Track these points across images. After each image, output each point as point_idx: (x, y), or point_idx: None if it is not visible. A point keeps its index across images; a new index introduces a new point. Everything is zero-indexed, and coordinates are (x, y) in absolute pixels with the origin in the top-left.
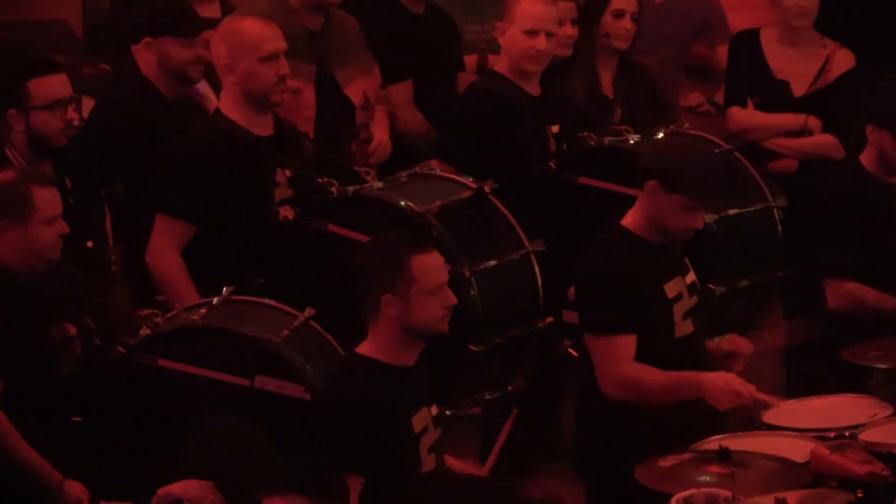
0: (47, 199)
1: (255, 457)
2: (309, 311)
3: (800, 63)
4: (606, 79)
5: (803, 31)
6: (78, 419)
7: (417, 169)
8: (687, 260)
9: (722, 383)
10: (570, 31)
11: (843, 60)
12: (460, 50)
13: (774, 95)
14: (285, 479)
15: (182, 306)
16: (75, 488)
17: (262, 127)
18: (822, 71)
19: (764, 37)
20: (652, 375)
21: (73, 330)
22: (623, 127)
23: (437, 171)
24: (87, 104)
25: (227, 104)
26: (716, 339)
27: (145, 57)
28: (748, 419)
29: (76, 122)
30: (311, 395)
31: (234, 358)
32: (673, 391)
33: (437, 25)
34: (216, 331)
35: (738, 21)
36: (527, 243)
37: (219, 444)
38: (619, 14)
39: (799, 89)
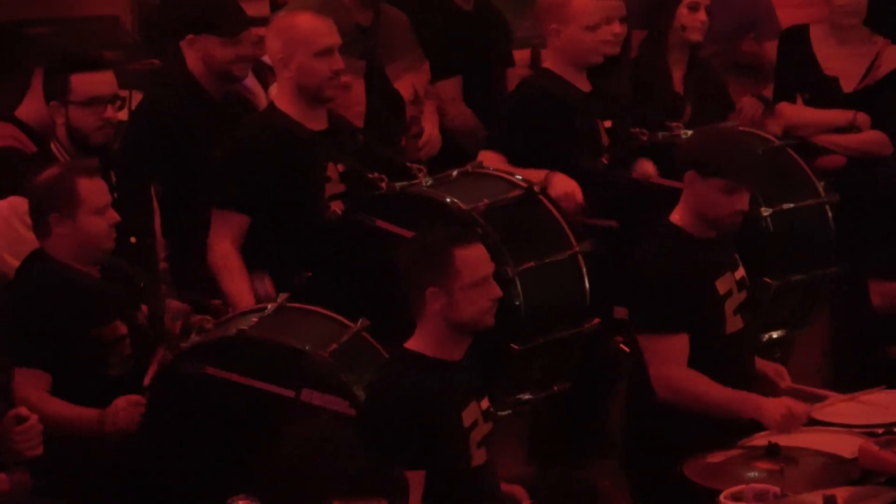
0: (94, 190)
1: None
2: (362, 323)
3: (849, 59)
4: (678, 75)
5: (853, 28)
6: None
7: (469, 167)
8: (737, 255)
9: (782, 409)
10: (619, 28)
11: (893, 57)
12: (510, 46)
13: (823, 92)
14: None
15: (234, 307)
16: (118, 405)
17: (316, 121)
18: (871, 67)
19: (813, 33)
20: (708, 387)
21: (123, 329)
22: (675, 123)
23: (490, 170)
24: (138, 100)
25: (282, 99)
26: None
27: (190, 54)
28: None
29: (115, 121)
30: (358, 412)
31: (283, 370)
32: (728, 408)
33: (486, 21)
34: (266, 342)
35: (786, 17)
36: (575, 244)
37: (309, 444)
38: (694, 7)
39: (848, 86)
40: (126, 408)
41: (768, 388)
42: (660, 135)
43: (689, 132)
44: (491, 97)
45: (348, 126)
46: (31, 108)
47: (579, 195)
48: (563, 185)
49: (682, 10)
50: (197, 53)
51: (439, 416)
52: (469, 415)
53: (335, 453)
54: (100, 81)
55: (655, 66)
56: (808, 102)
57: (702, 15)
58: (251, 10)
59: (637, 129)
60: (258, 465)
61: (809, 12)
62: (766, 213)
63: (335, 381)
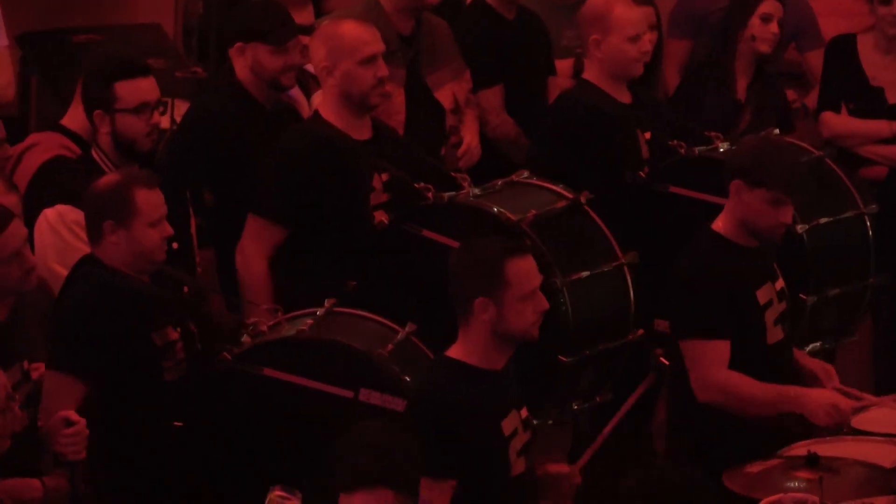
0: (151, 202)
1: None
2: (410, 327)
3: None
4: (742, 83)
5: None
6: (179, 424)
7: (514, 177)
8: (776, 265)
9: (825, 401)
10: (650, 36)
11: None
12: (551, 55)
13: (869, 102)
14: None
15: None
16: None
17: (361, 130)
18: None
19: (860, 43)
20: (751, 386)
21: (175, 335)
22: (714, 134)
23: (534, 180)
24: (181, 108)
25: (326, 107)
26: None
27: (239, 62)
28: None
29: (161, 126)
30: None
31: (340, 370)
32: (772, 404)
33: (528, 30)
34: (324, 342)
35: (830, 26)
36: (620, 255)
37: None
38: (767, 18)
39: (893, 96)
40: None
41: (816, 387)
42: (697, 149)
43: (727, 145)
44: (532, 106)
45: (393, 135)
46: (77, 116)
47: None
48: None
49: (755, 21)
50: (246, 61)
51: (480, 424)
52: (509, 424)
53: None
54: (145, 87)
55: (720, 71)
56: (852, 112)
57: (773, 27)
58: (296, 19)
59: (675, 143)
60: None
61: (853, 22)
62: (801, 230)
63: (394, 379)
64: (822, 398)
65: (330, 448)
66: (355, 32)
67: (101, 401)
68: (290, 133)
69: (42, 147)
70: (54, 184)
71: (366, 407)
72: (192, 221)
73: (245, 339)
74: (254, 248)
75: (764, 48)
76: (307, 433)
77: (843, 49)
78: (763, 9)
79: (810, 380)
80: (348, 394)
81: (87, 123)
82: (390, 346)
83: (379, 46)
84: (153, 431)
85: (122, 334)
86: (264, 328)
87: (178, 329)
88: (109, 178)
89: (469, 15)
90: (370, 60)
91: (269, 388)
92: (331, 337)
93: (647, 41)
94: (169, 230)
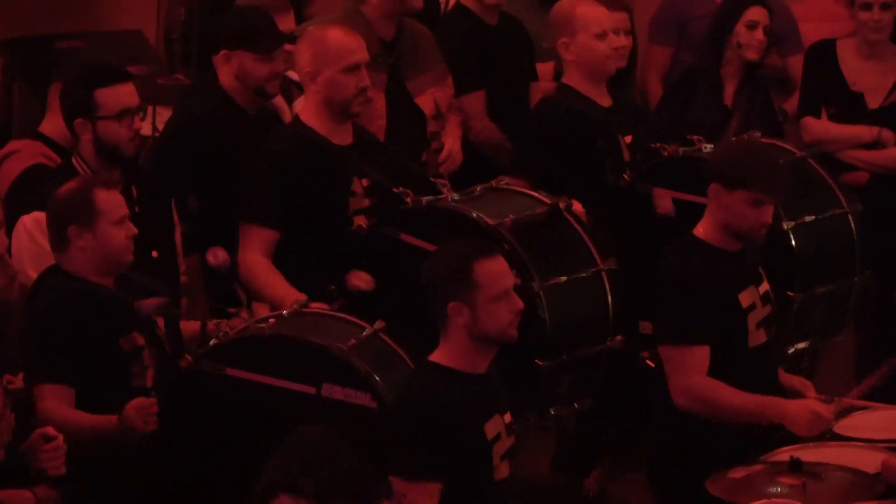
0: (111, 201)
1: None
2: (379, 324)
3: (876, 75)
4: (730, 89)
5: (879, 43)
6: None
7: (493, 183)
8: (761, 269)
9: (806, 410)
10: (625, 41)
11: None
12: (534, 59)
13: (849, 107)
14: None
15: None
16: (130, 408)
17: (342, 136)
18: None
19: (841, 48)
20: (730, 395)
21: (141, 340)
22: (696, 137)
23: (514, 186)
24: (163, 115)
25: (308, 112)
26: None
27: (224, 69)
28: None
29: (145, 132)
30: (380, 405)
31: (302, 366)
32: (751, 414)
33: (510, 35)
34: (284, 339)
35: (811, 31)
36: (599, 261)
37: (307, 450)
38: (752, 25)
39: (874, 102)
40: (139, 408)
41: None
42: (681, 150)
43: (710, 147)
44: (515, 111)
45: (374, 140)
46: (55, 123)
47: None
48: None
49: (741, 28)
50: (231, 69)
51: (462, 428)
52: (492, 428)
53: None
54: (125, 93)
55: (708, 76)
56: (833, 117)
57: (759, 34)
58: (278, 25)
59: (658, 144)
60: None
61: (835, 26)
62: (787, 227)
63: (356, 374)
64: (802, 407)
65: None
66: (341, 40)
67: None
68: (273, 137)
69: (21, 155)
70: (34, 192)
71: (329, 402)
72: (178, 229)
73: (212, 341)
74: (252, 255)
75: (751, 55)
76: (273, 431)
77: (823, 54)
78: (749, 16)
79: (789, 394)
80: (311, 390)
81: (66, 130)
82: (353, 341)
83: (363, 55)
84: None
85: (90, 340)
86: (228, 329)
87: (145, 334)
88: (68, 185)
89: (451, 20)
90: (354, 69)
91: (233, 388)
92: (291, 334)
93: (616, 41)
94: (133, 229)
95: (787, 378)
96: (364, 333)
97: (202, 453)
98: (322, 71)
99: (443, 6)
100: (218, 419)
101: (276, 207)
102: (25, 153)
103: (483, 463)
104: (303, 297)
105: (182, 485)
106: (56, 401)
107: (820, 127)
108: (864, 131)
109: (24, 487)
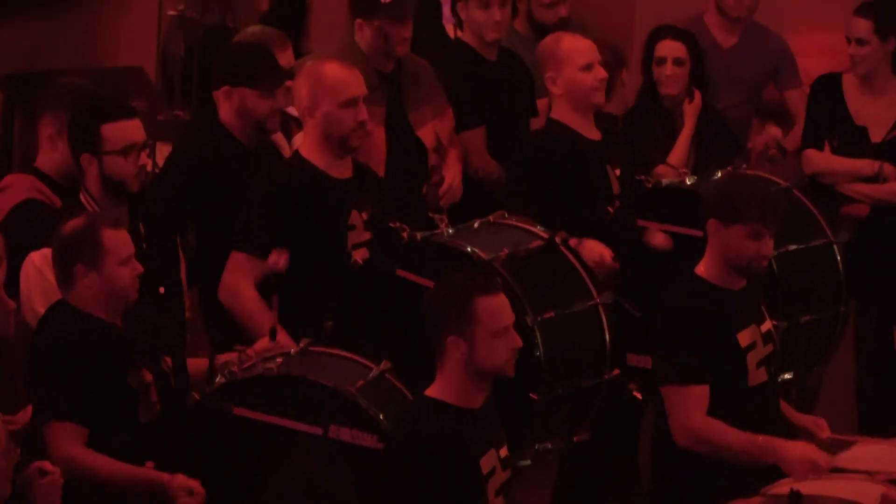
0: (118, 240)
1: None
2: (385, 364)
3: (880, 109)
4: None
5: (880, 76)
6: (152, 465)
7: (491, 218)
8: (764, 308)
9: (801, 454)
10: (602, 73)
11: None
12: (534, 95)
13: (852, 140)
14: None
15: (258, 335)
16: (180, 479)
17: (341, 170)
18: None
19: (846, 81)
20: (728, 435)
21: (149, 377)
22: (682, 170)
23: (511, 220)
24: (163, 151)
25: (307, 146)
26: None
27: (225, 105)
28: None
29: (149, 168)
30: (386, 446)
31: (310, 407)
32: (748, 454)
33: (510, 71)
34: (292, 380)
35: (813, 65)
36: (595, 295)
37: (301, 484)
38: (660, 61)
39: (877, 135)
40: (184, 487)
41: (807, 440)
42: (663, 181)
43: (694, 177)
44: (515, 147)
45: (373, 174)
46: (49, 157)
47: (609, 257)
48: (594, 251)
49: (654, 66)
50: (232, 105)
51: (457, 462)
52: (487, 462)
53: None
54: (132, 128)
55: (660, 109)
56: (836, 150)
57: (667, 69)
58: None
59: (642, 177)
60: None
61: (835, 60)
62: (771, 256)
63: (363, 416)
64: (800, 453)
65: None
66: (338, 74)
67: None
68: (272, 170)
69: (13, 190)
70: (25, 227)
71: (336, 443)
72: (183, 265)
73: (219, 378)
74: (237, 281)
75: (666, 90)
76: (279, 471)
77: (828, 88)
78: (657, 53)
79: (802, 434)
80: (318, 430)
81: (61, 165)
82: (361, 382)
83: (361, 90)
84: None
85: (97, 377)
86: (236, 368)
87: (152, 370)
88: (74, 222)
89: (451, 56)
90: (351, 103)
91: (240, 427)
92: (300, 374)
93: (602, 71)
94: (139, 268)
95: (798, 417)
96: (371, 374)
97: (208, 492)
98: (320, 106)
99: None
100: (224, 458)
101: (268, 238)
102: (17, 187)
103: (477, 498)
104: (282, 332)
105: None
106: (72, 442)
107: (822, 159)
108: (866, 164)
109: None
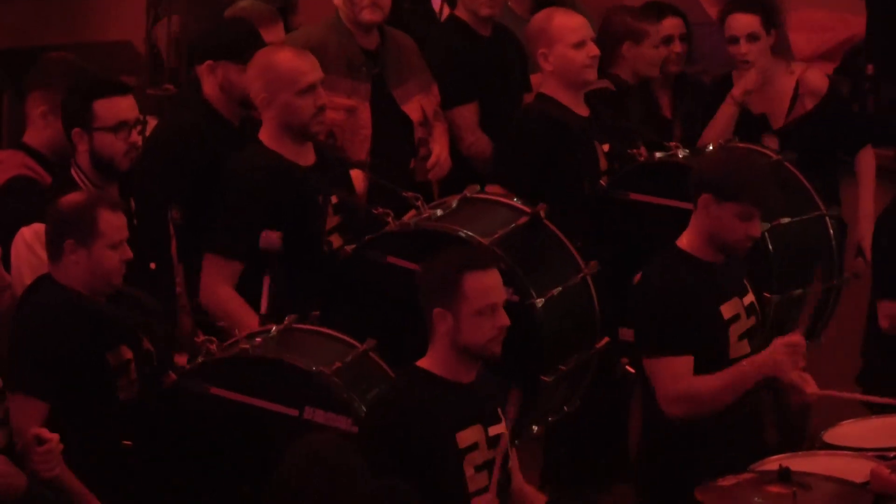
0: (113, 224)
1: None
2: (369, 343)
3: (772, 96)
4: (664, 99)
5: (771, 67)
6: (128, 444)
7: (467, 193)
8: (746, 281)
9: (773, 349)
10: (594, 50)
11: (815, 84)
12: (527, 71)
13: (755, 129)
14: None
15: (243, 333)
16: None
17: (305, 157)
18: (794, 102)
19: (736, 79)
20: (712, 381)
21: (129, 354)
22: (672, 143)
23: (487, 195)
24: (153, 125)
25: (268, 136)
26: None
27: (208, 80)
28: (809, 438)
29: (138, 146)
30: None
31: (285, 388)
32: (734, 387)
33: (503, 47)
34: (268, 361)
35: (802, 41)
36: (583, 266)
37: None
38: (668, 40)
39: (777, 122)
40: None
41: (794, 395)
42: (657, 154)
43: (686, 151)
44: (508, 123)
45: (335, 157)
46: (38, 134)
47: None
48: None
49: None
50: (215, 80)
51: (429, 431)
52: (467, 437)
53: (339, 473)
54: (124, 106)
55: (643, 89)
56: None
57: (676, 47)
58: (267, 37)
59: (635, 150)
60: (263, 485)
61: (826, 36)
62: (764, 229)
63: (338, 398)
64: (772, 349)
65: (276, 466)
66: (292, 64)
67: (53, 419)
68: (237, 166)
69: (3, 166)
70: (15, 204)
71: (311, 425)
72: (174, 241)
73: (199, 358)
74: (214, 283)
75: (674, 68)
76: (254, 452)
77: (722, 88)
78: (662, 31)
79: (788, 388)
80: (293, 412)
81: (51, 141)
82: (337, 365)
83: (317, 75)
84: (104, 451)
85: (77, 353)
86: (214, 347)
87: (133, 349)
88: (74, 197)
89: (443, 32)
90: (309, 90)
91: (216, 407)
92: (276, 355)
93: (594, 48)
94: (128, 253)
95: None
96: (350, 355)
97: (183, 471)
98: (276, 96)
99: (438, 13)
100: (200, 437)
101: (242, 240)
102: (7, 164)
103: (452, 471)
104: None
105: (162, 502)
106: (25, 416)
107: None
108: (725, 109)
109: None
